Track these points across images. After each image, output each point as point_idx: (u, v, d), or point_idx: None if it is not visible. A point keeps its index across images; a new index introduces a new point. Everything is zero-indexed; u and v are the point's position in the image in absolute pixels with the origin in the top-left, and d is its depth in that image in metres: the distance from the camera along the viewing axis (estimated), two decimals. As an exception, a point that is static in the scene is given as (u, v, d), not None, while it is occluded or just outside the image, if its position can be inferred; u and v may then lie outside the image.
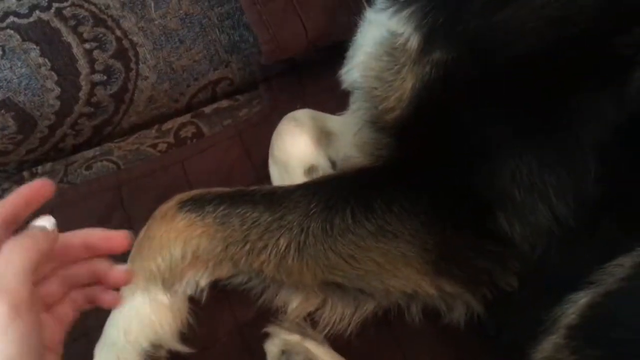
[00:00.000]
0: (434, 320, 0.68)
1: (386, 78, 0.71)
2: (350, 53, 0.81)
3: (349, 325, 0.67)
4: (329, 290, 0.67)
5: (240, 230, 0.65)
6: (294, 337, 0.66)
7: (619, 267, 0.57)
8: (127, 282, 0.57)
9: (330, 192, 0.67)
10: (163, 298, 0.67)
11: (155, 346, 0.66)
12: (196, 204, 0.67)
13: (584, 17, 0.65)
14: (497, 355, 0.68)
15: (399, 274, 0.64)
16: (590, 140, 0.62)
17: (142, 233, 0.69)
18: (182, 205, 0.68)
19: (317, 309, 0.68)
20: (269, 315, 0.69)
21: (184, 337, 0.68)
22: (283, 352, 0.65)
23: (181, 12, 0.88)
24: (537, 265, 0.63)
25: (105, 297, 0.56)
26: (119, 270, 0.56)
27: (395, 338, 0.70)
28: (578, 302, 0.58)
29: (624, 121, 0.62)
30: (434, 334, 0.69)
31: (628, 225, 0.60)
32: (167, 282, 0.67)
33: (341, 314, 0.67)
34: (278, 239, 0.64)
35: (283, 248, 0.64)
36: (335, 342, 0.68)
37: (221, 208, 0.66)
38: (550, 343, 0.58)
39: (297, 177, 0.79)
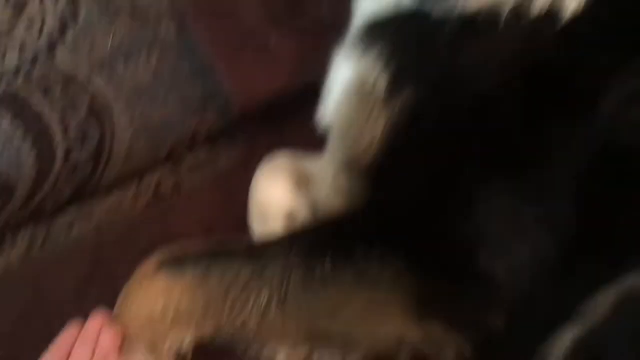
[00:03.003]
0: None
1: (357, 123, 0.70)
2: (323, 96, 0.81)
3: (339, 374, 0.66)
4: (315, 340, 0.66)
5: (221, 286, 0.65)
6: (283, 393, 0.66)
7: (602, 304, 0.56)
8: (116, 340, 0.65)
9: (309, 242, 0.66)
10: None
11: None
12: (175, 262, 0.67)
13: (549, 48, 0.66)
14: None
15: (384, 320, 0.63)
16: (566, 173, 0.61)
17: (123, 295, 0.69)
18: (161, 264, 0.67)
19: (304, 360, 0.67)
20: (258, 368, 0.68)
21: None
22: (273, 408, 0.65)
23: (151, 67, 0.88)
24: (522, 302, 0.62)
25: None
26: (106, 332, 0.65)
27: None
28: (563, 339, 0.57)
29: (599, 151, 0.62)
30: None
31: (609, 259, 0.60)
32: (151, 344, 0.66)
33: (329, 365, 0.66)
34: (259, 293, 0.64)
35: (264, 303, 0.63)
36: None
37: (200, 266, 0.66)
38: (538, 383, 0.58)
39: (277, 225, 0.79)
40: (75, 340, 0.65)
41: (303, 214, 0.80)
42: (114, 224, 0.87)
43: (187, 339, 0.67)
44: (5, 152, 0.80)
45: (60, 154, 0.84)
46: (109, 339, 0.65)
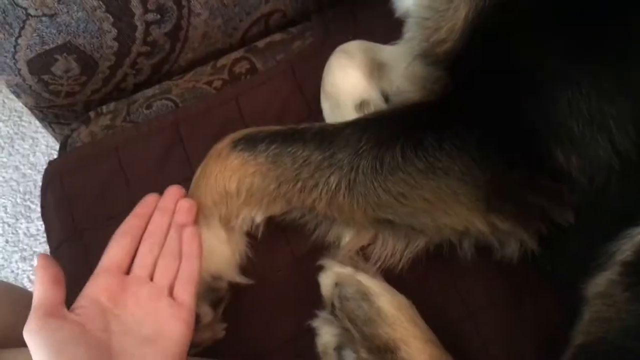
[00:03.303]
0: (486, 255, 0.67)
1: (438, 7, 0.67)
2: (401, -20, 0.78)
3: (400, 259, 0.68)
4: (380, 226, 0.68)
5: (292, 169, 0.66)
6: (347, 270, 0.68)
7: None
8: (192, 211, 0.68)
9: (380, 129, 0.66)
10: (221, 233, 0.70)
11: (216, 278, 0.70)
12: (249, 143, 0.69)
13: None
14: (551, 290, 0.68)
15: (450, 211, 0.63)
16: None
17: (198, 171, 0.72)
18: (236, 144, 0.69)
19: (368, 244, 0.69)
20: (324, 248, 0.72)
21: (242, 270, 0.72)
22: (336, 284, 0.68)
23: (227, -55, 0.86)
24: (595, 199, 0.60)
25: (184, 239, 0.67)
26: (183, 203, 0.69)
27: (448, 272, 0.71)
28: (635, 238, 0.56)
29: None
30: (487, 268, 0.69)
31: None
32: (224, 219, 0.70)
33: (392, 249, 0.68)
34: (329, 177, 0.65)
35: (334, 186, 0.65)
36: (388, 275, 0.70)
37: (273, 147, 0.68)
38: (604, 279, 0.58)
39: (349, 112, 0.78)
40: (154, 210, 0.70)
41: (375, 102, 0.79)
42: (191, 101, 0.89)
43: (258, 216, 0.70)
44: (88, 27, 0.82)
45: (139, 30, 0.85)
46: (185, 209, 0.69)
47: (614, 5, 0.59)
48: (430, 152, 0.63)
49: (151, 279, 0.64)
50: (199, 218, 0.70)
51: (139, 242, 0.66)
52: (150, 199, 0.70)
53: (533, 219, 0.63)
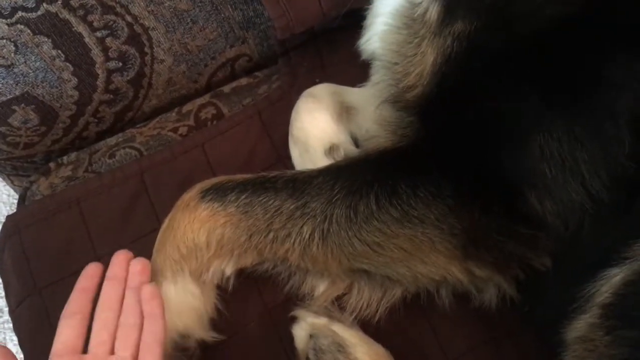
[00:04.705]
0: (465, 302, 0.66)
1: (406, 52, 0.67)
2: (368, 22, 0.78)
3: (377, 309, 0.67)
4: (356, 275, 0.67)
5: (263, 219, 0.65)
6: (321, 321, 0.67)
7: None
8: (146, 271, 0.65)
9: (353, 177, 0.64)
10: (191, 288, 0.67)
11: (184, 336, 0.66)
12: (218, 193, 0.67)
13: None
14: (532, 332, 0.67)
15: (427, 260, 0.63)
16: (624, 112, 0.58)
17: (165, 223, 0.69)
18: (204, 194, 0.67)
19: (344, 294, 0.68)
20: (298, 298, 0.69)
21: (212, 324, 0.69)
22: (311, 335, 0.66)
23: (191, -8, 0.85)
24: (570, 242, 0.60)
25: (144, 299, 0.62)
26: (135, 266, 0.65)
27: (426, 319, 0.69)
28: (612, 280, 0.56)
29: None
30: (465, 314, 0.68)
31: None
32: (194, 273, 0.67)
33: (368, 299, 0.67)
34: (301, 227, 0.64)
35: (307, 236, 0.63)
36: (364, 324, 0.68)
37: (243, 196, 0.66)
38: (583, 322, 0.57)
39: (318, 157, 0.76)
40: (99, 280, 0.64)
41: (344, 146, 0.78)
42: (155, 149, 0.86)
43: (229, 268, 0.68)
44: (47, 77, 0.80)
45: (101, 78, 0.83)
46: (138, 272, 0.64)
47: (584, 52, 0.60)
48: (404, 200, 0.62)
49: (112, 352, 0.59)
50: (166, 273, 0.67)
51: (90, 319, 0.60)
52: (92, 269, 0.65)
53: (511, 265, 0.62)
